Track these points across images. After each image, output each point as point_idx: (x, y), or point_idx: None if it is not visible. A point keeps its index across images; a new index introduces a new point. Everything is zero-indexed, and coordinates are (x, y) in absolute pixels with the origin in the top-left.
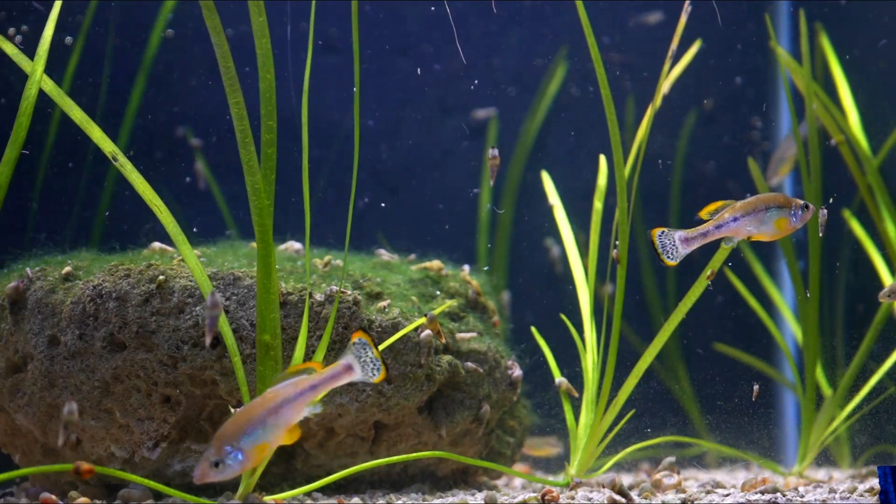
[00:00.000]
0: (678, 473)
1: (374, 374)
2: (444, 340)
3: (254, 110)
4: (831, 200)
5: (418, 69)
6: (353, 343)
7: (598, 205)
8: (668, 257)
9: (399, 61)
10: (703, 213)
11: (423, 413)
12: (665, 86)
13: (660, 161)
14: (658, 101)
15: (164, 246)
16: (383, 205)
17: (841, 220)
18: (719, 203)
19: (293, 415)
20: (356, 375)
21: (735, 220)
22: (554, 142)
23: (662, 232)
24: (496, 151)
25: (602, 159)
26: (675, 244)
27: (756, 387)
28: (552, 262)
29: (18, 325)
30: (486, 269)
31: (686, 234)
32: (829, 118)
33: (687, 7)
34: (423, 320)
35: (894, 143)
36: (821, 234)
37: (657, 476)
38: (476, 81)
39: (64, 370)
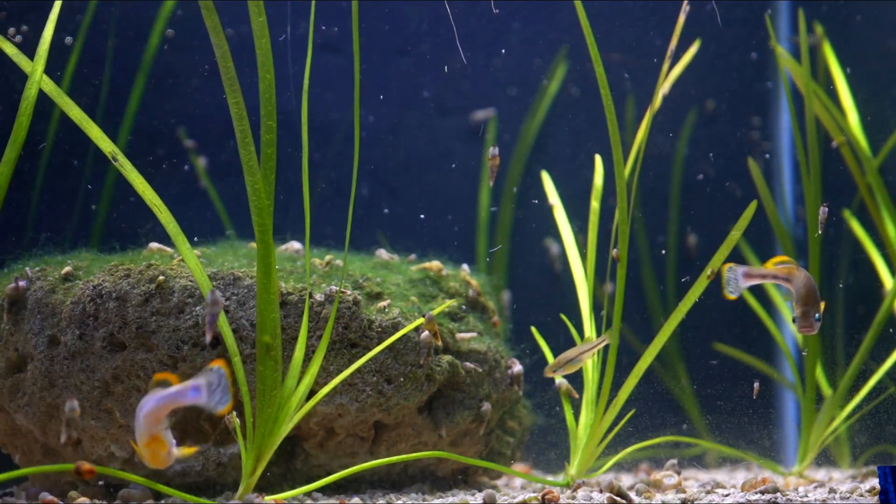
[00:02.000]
0: (679, 474)
1: (220, 406)
2: (440, 342)
3: (254, 110)
4: (825, 210)
5: (418, 69)
6: (211, 369)
7: (595, 205)
8: (730, 291)
9: (399, 61)
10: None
11: (423, 413)
12: (665, 86)
13: (711, 154)
14: (657, 101)
15: (161, 246)
16: (385, 209)
17: (841, 220)
18: (786, 258)
19: (141, 431)
20: (200, 400)
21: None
22: (554, 142)
23: (730, 268)
24: (496, 150)
25: (598, 159)
26: (737, 278)
27: (756, 384)
28: (551, 260)
29: (18, 325)
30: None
31: (748, 269)
32: (829, 118)
33: (685, 6)
34: (422, 320)
35: (894, 144)
36: (820, 232)
37: (658, 476)
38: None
39: (64, 370)
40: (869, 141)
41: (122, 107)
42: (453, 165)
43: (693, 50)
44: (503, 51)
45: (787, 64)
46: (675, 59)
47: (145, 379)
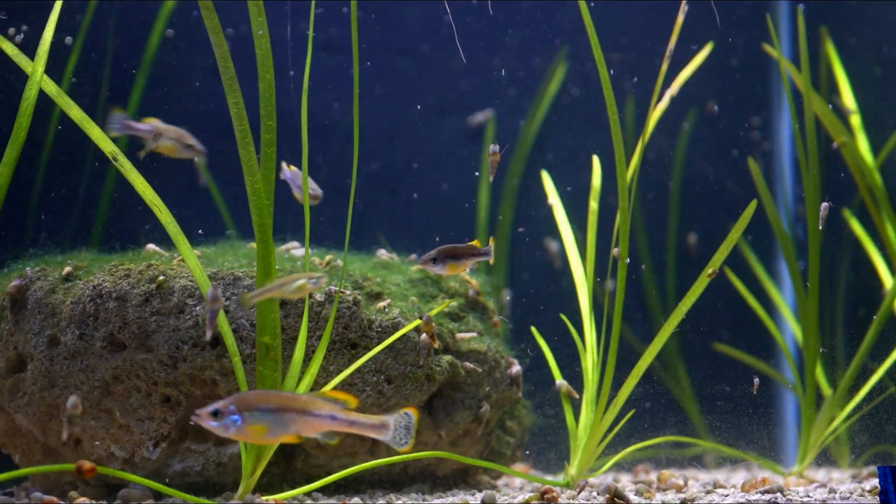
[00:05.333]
0: (685, 483)
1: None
2: (437, 344)
3: (254, 110)
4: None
5: (418, 69)
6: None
7: (593, 205)
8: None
9: (399, 61)
10: None
11: (423, 413)
12: (674, 87)
13: (711, 154)
14: (655, 101)
15: (157, 248)
16: (385, 209)
17: (841, 220)
18: None
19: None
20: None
21: None
22: (554, 142)
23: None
24: (497, 147)
25: (596, 160)
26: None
27: (756, 380)
28: (551, 258)
29: (18, 325)
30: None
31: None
32: (829, 119)
33: (683, 7)
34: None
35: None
36: (821, 228)
37: (663, 472)
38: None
39: (64, 370)
40: (870, 141)
41: (122, 107)
42: (454, 169)
43: (705, 52)
44: (503, 52)
45: (787, 66)
46: (674, 59)
47: (145, 379)
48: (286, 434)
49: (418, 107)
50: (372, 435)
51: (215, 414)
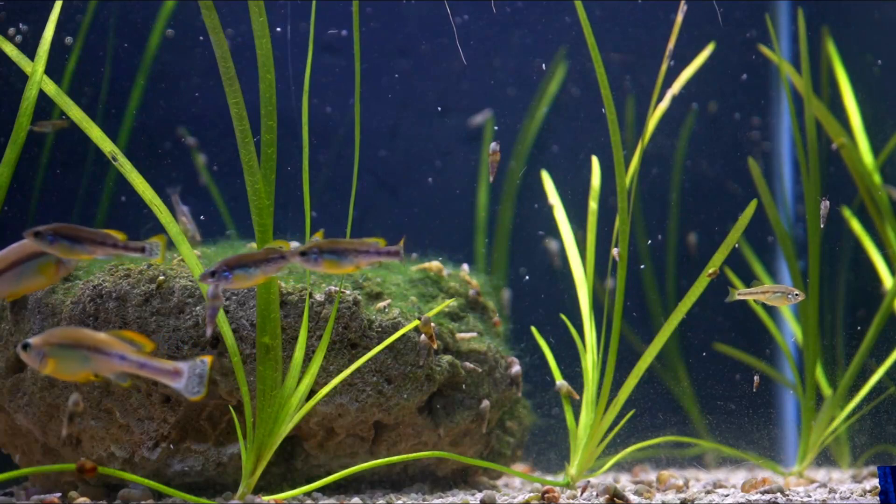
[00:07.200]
0: (687, 487)
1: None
2: (437, 344)
3: (254, 110)
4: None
5: (418, 69)
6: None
7: (593, 205)
8: None
9: (399, 61)
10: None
11: (423, 413)
12: (676, 87)
13: (711, 154)
14: (654, 101)
15: None
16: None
17: (841, 219)
18: None
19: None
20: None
21: None
22: (554, 142)
23: None
24: (497, 146)
25: (595, 160)
26: None
27: (756, 378)
28: (551, 258)
29: (18, 325)
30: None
31: None
32: (828, 120)
33: (682, 6)
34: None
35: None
36: (822, 226)
37: (662, 473)
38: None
39: None
40: (871, 141)
41: (122, 107)
42: (453, 167)
43: (706, 52)
44: (503, 52)
45: (787, 69)
46: (675, 59)
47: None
48: (82, 371)
49: (438, 108)
50: (163, 380)
51: (25, 347)
